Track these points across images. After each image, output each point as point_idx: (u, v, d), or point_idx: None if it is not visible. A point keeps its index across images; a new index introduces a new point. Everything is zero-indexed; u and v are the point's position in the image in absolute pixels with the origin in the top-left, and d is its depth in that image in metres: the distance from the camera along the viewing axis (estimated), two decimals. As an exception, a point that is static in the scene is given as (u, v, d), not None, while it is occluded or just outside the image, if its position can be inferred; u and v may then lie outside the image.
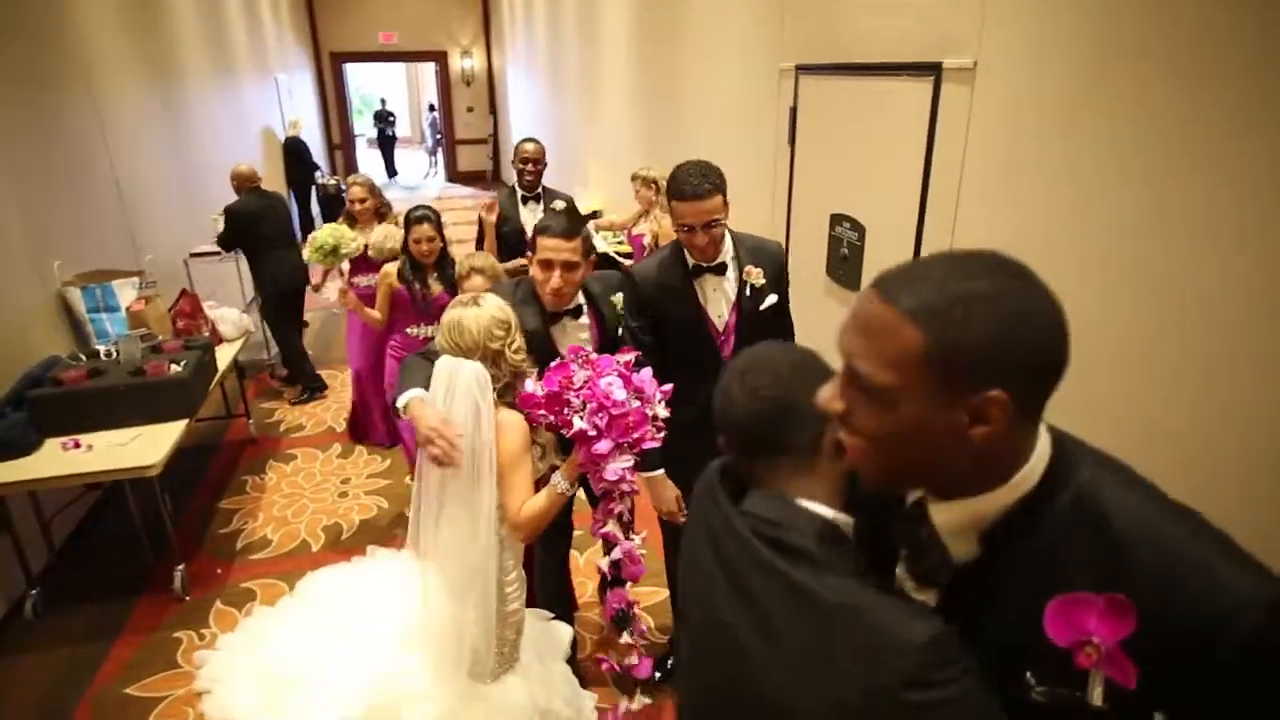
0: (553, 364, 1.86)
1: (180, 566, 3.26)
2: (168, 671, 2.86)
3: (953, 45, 2.11)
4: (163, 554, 3.37)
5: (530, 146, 3.96)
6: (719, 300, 2.24)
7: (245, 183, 5.12)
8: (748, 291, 2.21)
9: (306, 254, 3.96)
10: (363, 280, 4.10)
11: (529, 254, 2.26)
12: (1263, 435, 1.38)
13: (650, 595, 3.19)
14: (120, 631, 3.06)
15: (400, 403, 1.98)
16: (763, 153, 3.41)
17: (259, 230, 4.99)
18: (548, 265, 2.11)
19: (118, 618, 3.13)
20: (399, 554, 3.30)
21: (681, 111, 4.49)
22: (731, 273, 2.23)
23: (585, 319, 2.30)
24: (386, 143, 16.00)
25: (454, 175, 15.37)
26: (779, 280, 2.25)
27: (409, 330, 3.62)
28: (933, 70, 2.18)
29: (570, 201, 3.98)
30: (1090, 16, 1.67)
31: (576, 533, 2.85)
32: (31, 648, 2.98)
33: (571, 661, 2.51)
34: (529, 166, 3.93)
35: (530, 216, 3.90)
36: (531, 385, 1.84)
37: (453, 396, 1.93)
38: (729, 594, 0.87)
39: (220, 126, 7.42)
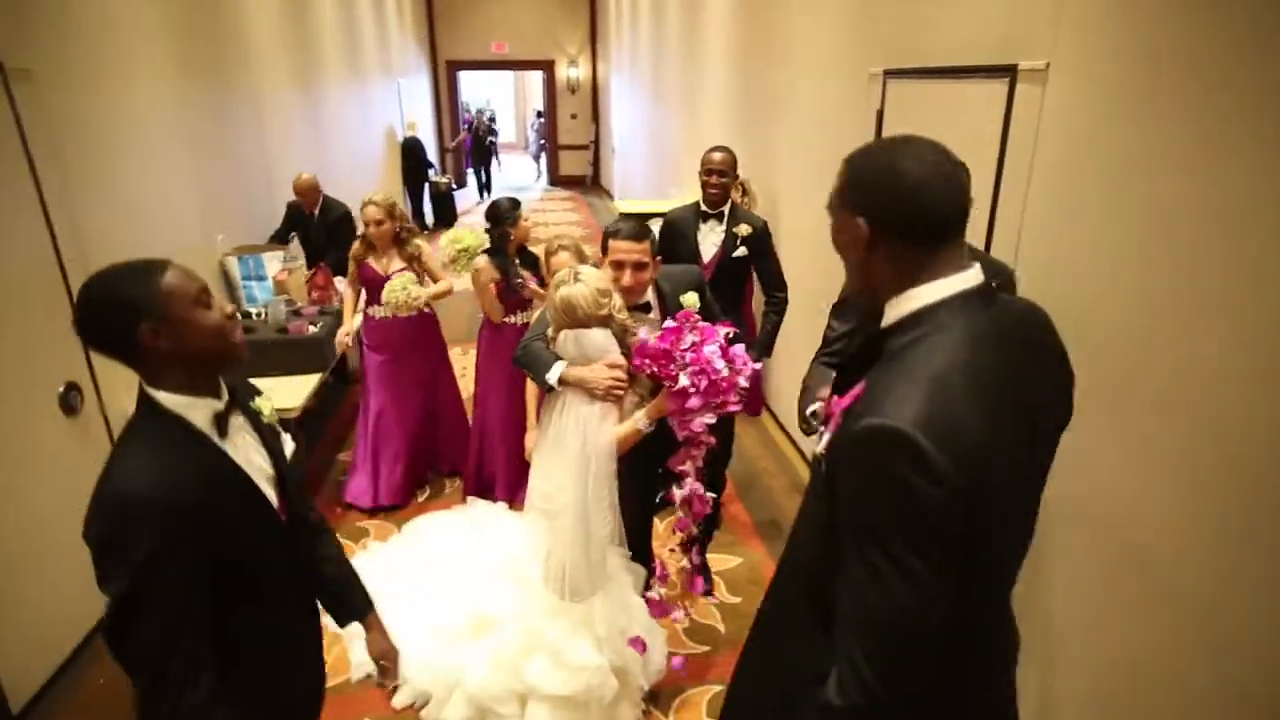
0: (667, 323, 2.14)
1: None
2: (296, 586, 3.30)
3: (1027, 47, 2.27)
4: (315, 485, 3.87)
5: (718, 156, 3.35)
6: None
7: (309, 193, 5.01)
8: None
9: (385, 295, 3.68)
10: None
11: (602, 255, 2.52)
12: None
13: (723, 561, 3.45)
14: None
15: (553, 379, 2.25)
16: (850, 154, 3.61)
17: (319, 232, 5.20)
18: (619, 265, 2.38)
19: (256, 540, 3.61)
20: (493, 505, 3.67)
21: (776, 118, 4.71)
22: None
23: (654, 314, 2.54)
24: (482, 153, 14.53)
25: (555, 179, 16.03)
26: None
27: (507, 319, 3.67)
28: (1008, 72, 2.35)
29: (763, 225, 3.40)
30: (1161, 19, 1.81)
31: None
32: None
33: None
34: (713, 179, 3.33)
35: (711, 237, 3.39)
36: (646, 335, 2.14)
37: (586, 357, 2.24)
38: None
39: (350, 123, 8.14)
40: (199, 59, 4.28)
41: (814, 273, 3.73)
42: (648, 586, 2.58)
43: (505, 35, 14.51)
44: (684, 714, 2.67)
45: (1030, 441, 1.09)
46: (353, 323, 3.92)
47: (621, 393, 2.22)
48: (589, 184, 15.73)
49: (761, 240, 3.38)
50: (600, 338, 2.23)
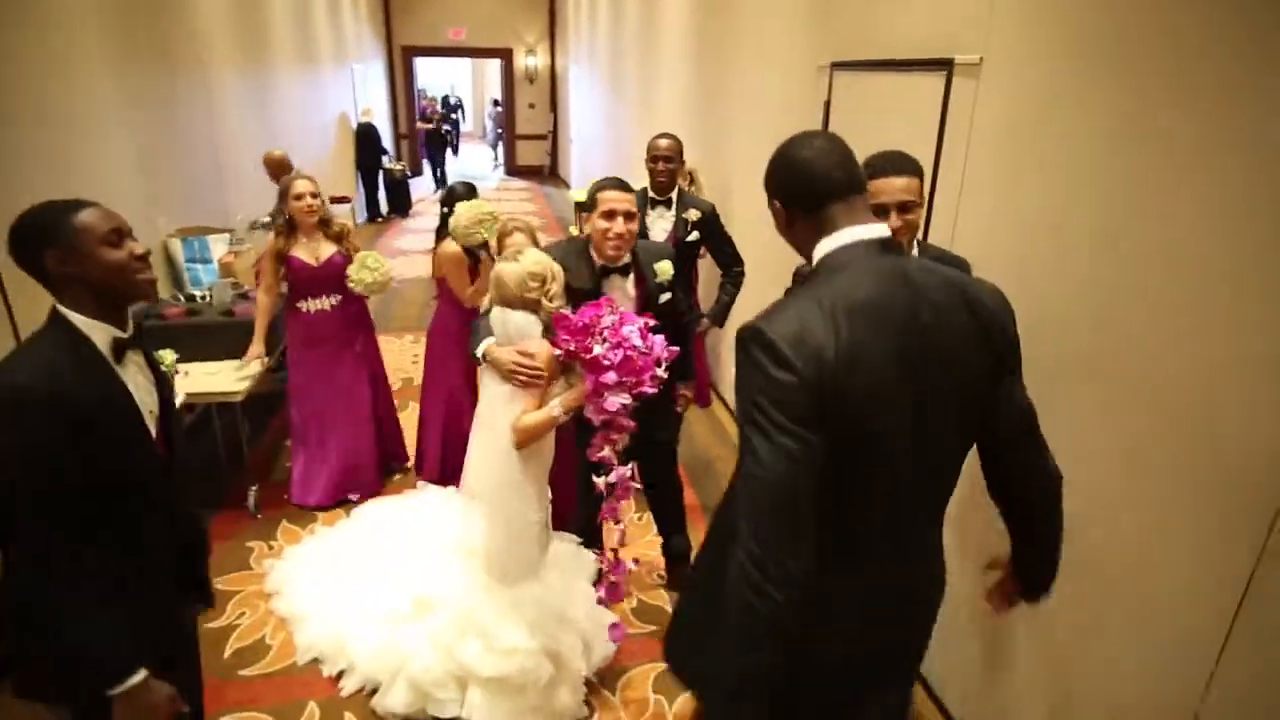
0: (588, 303, 2.19)
1: (254, 488, 3.68)
2: (242, 571, 3.27)
3: (962, 42, 2.36)
4: (239, 476, 3.79)
5: (664, 142, 3.43)
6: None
7: (278, 169, 5.07)
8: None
9: (354, 276, 3.44)
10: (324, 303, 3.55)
11: (584, 215, 2.60)
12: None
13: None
14: (202, 537, 3.48)
15: (479, 351, 2.34)
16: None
17: None
18: (610, 215, 2.42)
19: (200, 526, 3.55)
20: (441, 490, 3.67)
21: (729, 109, 4.78)
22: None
23: (631, 278, 2.61)
24: (438, 142, 13.84)
25: (513, 169, 15.90)
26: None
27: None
28: (945, 66, 2.44)
29: (711, 209, 3.50)
30: (1088, 16, 1.90)
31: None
32: (128, 543, 3.42)
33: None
34: (659, 165, 3.41)
35: (660, 223, 3.48)
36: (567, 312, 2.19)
37: (508, 338, 2.29)
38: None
39: (302, 108, 7.99)
40: (143, 40, 4.17)
41: (765, 258, 3.80)
42: (600, 578, 2.62)
43: (463, 22, 14.35)
44: (629, 692, 2.72)
45: (912, 373, 1.24)
46: (262, 346, 3.55)
47: (525, 379, 2.23)
48: (546, 174, 15.66)
49: (711, 223, 3.48)
50: (521, 320, 2.27)
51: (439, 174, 13.83)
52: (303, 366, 3.64)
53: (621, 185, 2.49)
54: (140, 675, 1.48)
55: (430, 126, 13.57)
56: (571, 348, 2.14)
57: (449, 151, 15.32)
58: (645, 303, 2.60)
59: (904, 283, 1.26)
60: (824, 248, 1.30)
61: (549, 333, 2.29)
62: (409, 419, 4.28)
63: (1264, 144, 1.46)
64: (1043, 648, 2.11)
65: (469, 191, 3.63)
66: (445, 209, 3.62)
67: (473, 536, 2.47)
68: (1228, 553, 1.53)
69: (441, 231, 3.66)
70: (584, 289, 2.46)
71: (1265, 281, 1.46)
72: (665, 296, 2.63)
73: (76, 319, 1.48)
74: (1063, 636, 2.00)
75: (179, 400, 1.75)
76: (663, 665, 2.80)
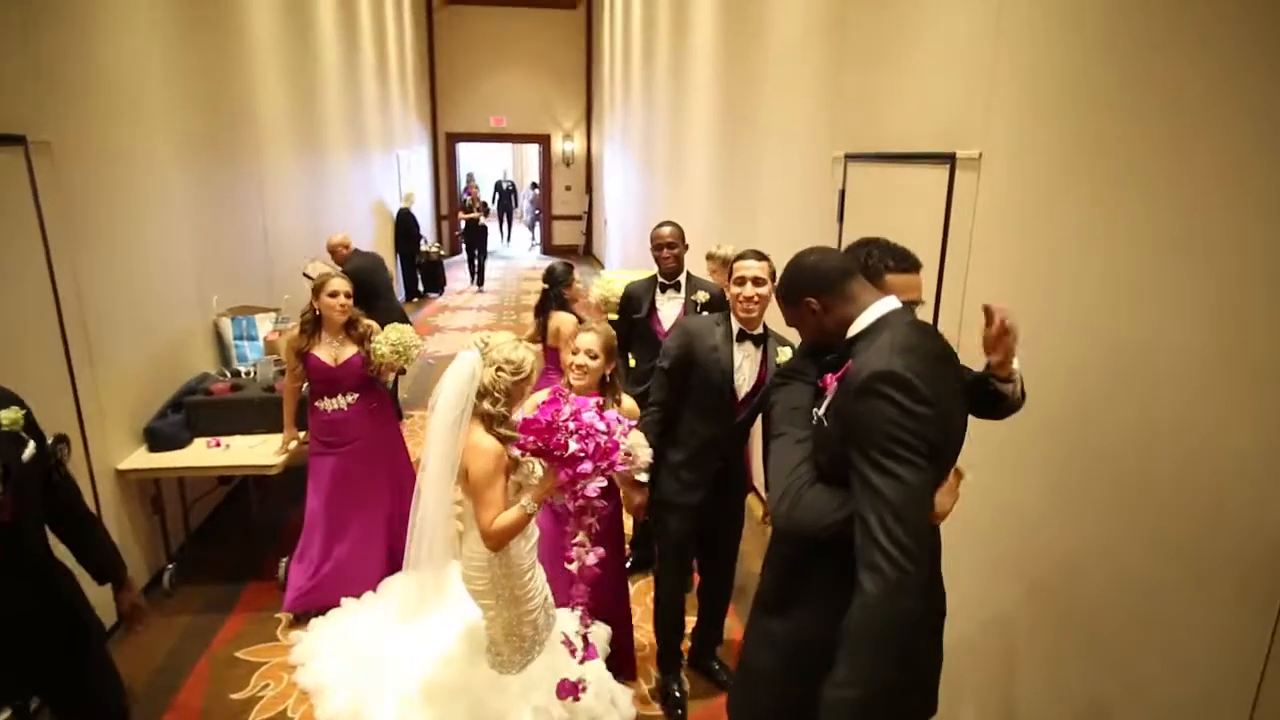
0: (541, 401, 2.23)
1: (285, 559, 3.73)
2: (269, 643, 3.33)
3: (963, 137, 2.49)
4: (272, 547, 3.90)
5: (666, 231, 3.59)
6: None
7: (342, 249, 5.73)
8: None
9: (375, 351, 3.43)
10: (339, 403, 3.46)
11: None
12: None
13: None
14: (233, 607, 3.57)
15: None
16: (818, 231, 3.82)
17: (374, 282, 5.62)
18: (741, 281, 2.56)
19: (232, 595, 3.65)
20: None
21: (755, 193, 4.97)
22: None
23: (758, 352, 2.66)
24: (475, 234, 12.50)
25: (549, 248, 16.41)
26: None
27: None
28: (948, 159, 2.56)
29: (720, 291, 3.56)
30: (1077, 116, 2.02)
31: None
32: (165, 612, 3.53)
33: (609, 662, 2.82)
34: (664, 252, 3.57)
35: (670, 305, 3.62)
36: (524, 413, 2.22)
37: (442, 385, 2.32)
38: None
39: (348, 193, 8.44)
40: (208, 131, 4.52)
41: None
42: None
43: (504, 109, 15.13)
44: (648, 773, 2.68)
45: (955, 396, 1.54)
46: (294, 430, 3.58)
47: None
48: (581, 253, 16.11)
49: (718, 304, 3.56)
50: (460, 376, 2.32)
51: (476, 265, 12.44)
52: (323, 472, 3.48)
53: (758, 254, 2.62)
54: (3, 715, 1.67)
55: (471, 216, 12.44)
56: (541, 446, 2.15)
57: (501, 237, 15.32)
58: (765, 376, 2.67)
59: (931, 337, 1.55)
60: (866, 318, 1.54)
61: (504, 422, 2.28)
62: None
63: (1249, 237, 1.53)
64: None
65: (568, 270, 3.92)
66: (548, 285, 3.89)
67: (471, 623, 2.51)
68: (1239, 645, 1.53)
69: (545, 305, 3.91)
70: (714, 345, 2.63)
71: (1259, 368, 1.51)
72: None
73: None
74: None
75: (26, 453, 1.84)
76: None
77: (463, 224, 12.74)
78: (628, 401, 2.73)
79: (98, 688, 2.09)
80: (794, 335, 1.82)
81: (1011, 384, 1.66)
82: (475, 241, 12.49)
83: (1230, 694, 1.56)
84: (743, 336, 2.64)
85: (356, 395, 3.47)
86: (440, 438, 2.31)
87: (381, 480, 3.59)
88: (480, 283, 12.51)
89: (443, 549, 2.44)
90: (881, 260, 1.72)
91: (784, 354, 2.82)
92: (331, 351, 3.39)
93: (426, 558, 2.42)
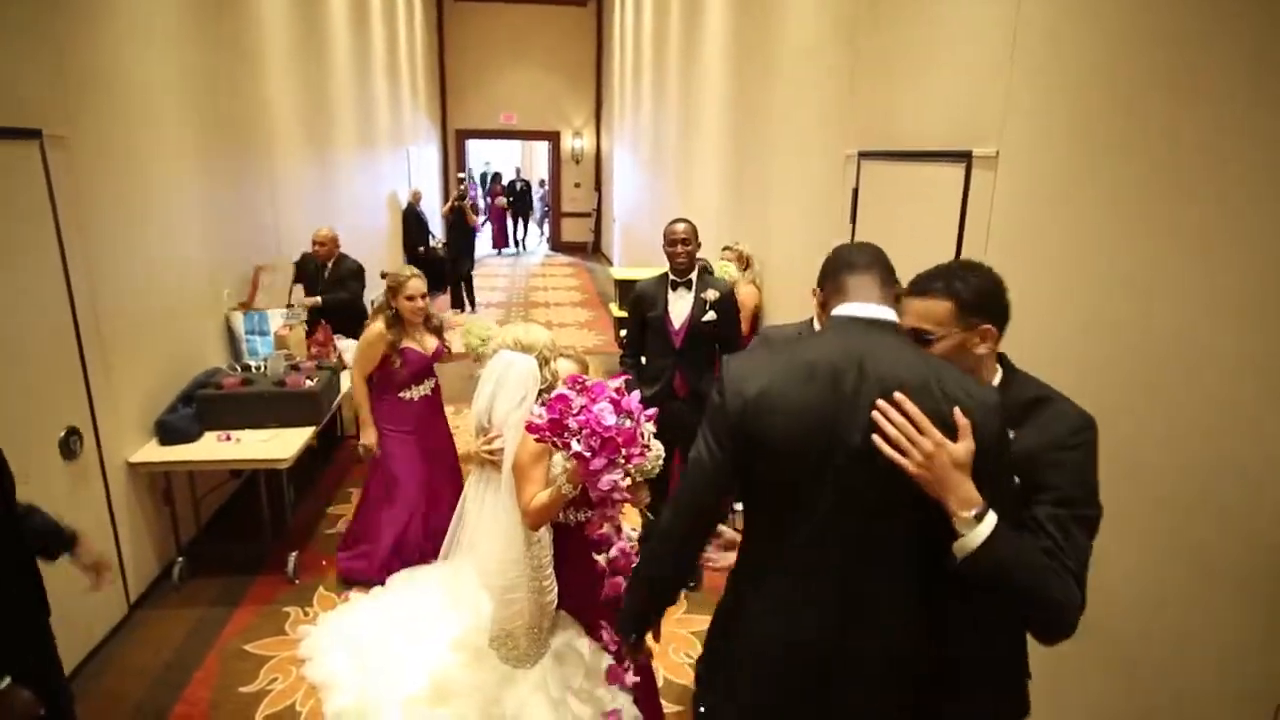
0: (553, 394, 2.11)
1: (294, 554, 3.78)
2: (277, 636, 3.33)
3: (980, 136, 2.47)
4: (281, 541, 3.91)
5: (681, 227, 3.57)
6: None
7: (328, 244, 5.32)
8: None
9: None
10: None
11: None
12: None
13: (700, 621, 3.47)
14: (242, 600, 3.58)
15: None
16: (830, 229, 3.80)
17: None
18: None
19: (241, 589, 3.66)
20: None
21: (767, 191, 4.94)
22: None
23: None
24: (463, 235, 9.82)
25: (557, 245, 16.42)
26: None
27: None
28: (964, 157, 2.54)
29: (729, 290, 3.67)
30: (1093, 114, 2.00)
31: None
32: (174, 604, 3.54)
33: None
34: (677, 249, 3.56)
35: (679, 303, 3.62)
36: (537, 410, 2.12)
37: (503, 387, 2.36)
38: None
39: (358, 190, 8.45)
40: (221, 128, 4.53)
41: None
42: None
43: (514, 106, 15.12)
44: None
45: (821, 429, 1.37)
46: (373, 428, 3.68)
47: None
48: (590, 250, 16.11)
49: (726, 303, 3.61)
50: (523, 380, 2.42)
51: (462, 281, 9.89)
52: (403, 453, 3.68)
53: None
54: (4, 683, 1.64)
55: (451, 206, 9.79)
56: (553, 443, 2.09)
57: (512, 243, 15.28)
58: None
59: (848, 356, 1.37)
60: (834, 313, 1.49)
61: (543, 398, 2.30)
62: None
63: (1269, 231, 1.51)
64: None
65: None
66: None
67: (484, 616, 2.49)
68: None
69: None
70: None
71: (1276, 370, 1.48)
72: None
73: None
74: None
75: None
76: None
77: (446, 220, 9.97)
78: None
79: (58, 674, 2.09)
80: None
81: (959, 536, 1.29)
82: (460, 239, 9.73)
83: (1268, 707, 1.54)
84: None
85: (434, 382, 3.82)
86: (511, 439, 2.36)
87: (443, 453, 3.91)
88: (468, 305, 9.91)
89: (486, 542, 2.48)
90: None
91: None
92: (420, 342, 3.67)
93: (467, 547, 2.53)
